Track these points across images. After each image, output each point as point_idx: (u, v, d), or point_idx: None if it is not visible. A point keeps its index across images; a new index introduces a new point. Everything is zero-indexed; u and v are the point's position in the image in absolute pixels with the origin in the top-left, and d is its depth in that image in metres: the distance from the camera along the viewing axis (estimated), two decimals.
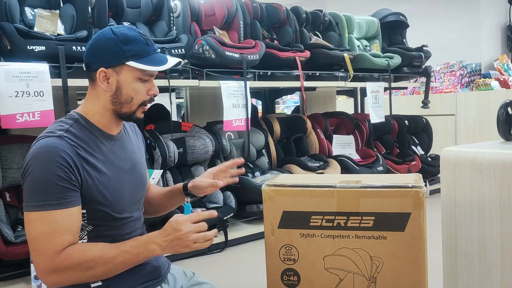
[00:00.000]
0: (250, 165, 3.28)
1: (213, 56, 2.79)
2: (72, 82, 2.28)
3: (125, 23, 2.80)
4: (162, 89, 2.91)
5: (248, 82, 2.94)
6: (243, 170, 1.49)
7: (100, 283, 1.26)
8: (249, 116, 2.94)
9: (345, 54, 3.62)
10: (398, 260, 1.20)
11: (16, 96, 2.07)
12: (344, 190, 1.22)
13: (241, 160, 1.46)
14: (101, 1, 2.60)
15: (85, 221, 1.21)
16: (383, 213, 1.20)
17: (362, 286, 1.22)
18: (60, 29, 2.52)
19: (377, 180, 1.25)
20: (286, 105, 7.68)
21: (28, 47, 2.17)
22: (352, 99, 5.00)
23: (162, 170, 2.65)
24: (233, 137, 3.34)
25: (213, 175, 1.43)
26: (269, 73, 3.29)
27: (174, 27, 2.89)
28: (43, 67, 2.15)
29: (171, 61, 1.23)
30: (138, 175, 1.35)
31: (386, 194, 1.19)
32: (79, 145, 1.18)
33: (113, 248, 1.15)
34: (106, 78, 1.21)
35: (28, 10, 2.49)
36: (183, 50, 2.63)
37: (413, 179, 1.24)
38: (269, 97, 4.42)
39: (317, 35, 3.91)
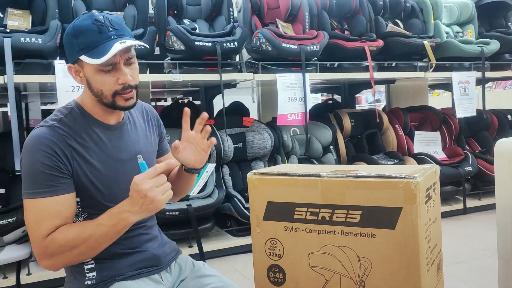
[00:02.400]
0: (315, 162, 3.15)
1: (269, 48, 2.73)
2: None
3: (186, 21, 2.87)
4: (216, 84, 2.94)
5: (307, 75, 2.82)
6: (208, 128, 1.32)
7: (93, 265, 1.29)
8: (307, 110, 2.82)
9: (425, 42, 3.30)
10: (388, 262, 1.02)
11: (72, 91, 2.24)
12: (329, 180, 1.08)
13: (203, 114, 1.30)
14: (160, 1, 2.71)
15: (80, 209, 1.24)
16: (371, 207, 1.03)
17: None
18: None
19: (370, 170, 1.08)
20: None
21: None
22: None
23: (215, 164, 2.66)
24: (298, 133, 3.23)
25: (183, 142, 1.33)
26: (335, 65, 3.13)
27: (233, 22, 2.90)
28: None
29: (116, 47, 1.12)
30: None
31: (373, 185, 1.03)
32: (70, 135, 1.20)
33: (90, 224, 1.14)
34: (77, 73, 1.20)
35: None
36: (235, 43, 2.61)
37: (414, 169, 1.06)
38: (349, 92, 4.21)
39: (397, 24, 3.62)
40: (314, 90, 5.33)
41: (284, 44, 2.73)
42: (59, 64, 2.24)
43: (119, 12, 2.72)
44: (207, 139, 1.34)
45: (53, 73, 2.24)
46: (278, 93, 2.70)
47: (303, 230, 1.12)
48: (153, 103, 5.98)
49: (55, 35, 2.28)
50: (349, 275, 1.07)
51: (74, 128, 1.22)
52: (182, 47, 2.51)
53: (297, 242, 1.13)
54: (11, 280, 2.21)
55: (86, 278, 1.28)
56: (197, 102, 4.13)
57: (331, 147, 3.26)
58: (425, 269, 1.01)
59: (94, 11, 1.20)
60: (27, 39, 2.21)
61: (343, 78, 3.12)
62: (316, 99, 7.00)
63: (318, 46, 2.84)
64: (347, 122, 3.37)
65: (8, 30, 2.30)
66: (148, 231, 1.38)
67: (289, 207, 1.13)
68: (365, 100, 8.82)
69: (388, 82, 3.74)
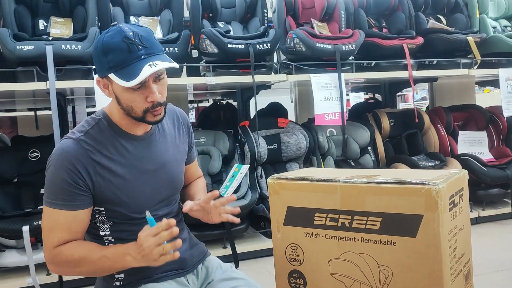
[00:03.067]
0: (352, 163, 3.09)
1: (303, 49, 2.71)
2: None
3: (220, 24, 2.90)
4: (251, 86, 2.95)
5: (343, 74, 2.77)
6: (237, 210, 1.33)
7: (122, 274, 1.33)
8: (345, 110, 2.77)
9: (469, 38, 3.15)
10: (409, 271, 0.99)
11: None
12: (348, 185, 1.06)
13: (214, 193, 1.31)
14: (194, 4, 2.74)
15: (105, 218, 1.26)
16: (391, 214, 1.00)
17: None
18: (158, 33, 2.73)
19: (391, 176, 1.05)
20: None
21: None
22: None
23: (249, 165, 2.66)
24: (335, 133, 3.19)
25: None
26: (373, 64, 3.05)
27: (267, 23, 2.89)
28: None
29: (145, 72, 1.10)
30: (166, 174, 1.33)
31: (393, 191, 0.99)
32: (95, 149, 1.21)
33: (97, 252, 1.18)
34: (105, 86, 1.20)
35: (132, 19, 2.76)
36: (268, 44, 2.60)
37: (437, 175, 1.01)
38: (389, 91, 4.10)
39: (439, 20, 3.49)
40: (356, 89, 5.23)
41: (318, 44, 2.70)
42: None
43: (155, 17, 2.78)
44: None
45: (92, 78, 2.33)
46: (313, 93, 2.67)
47: (323, 236, 1.10)
48: (195, 104, 6.08)
49: (94, 41, 2.35)
50: (369, 283, 1.04)
51: (100, 140, 1.22)
52: (216, 50, 2.54)
53: (317, 248, 1.11)
54: (54, 276, 2.31)
55: (115, 280, 1.31)
56: (235, 104, 4.15)
57: (369, 148, 3.18)
58: (449, 280, 0.97)
59: (123, 25, 1.17)
60: (68, 46, 2.30)
61: (380, 77, 3.04)
62: (359, 97, 6.87)
63: (353, 45, 2.79)
64: (386, 122, 3.28)
65: (50, 38, 2.41)
66: (175, 236, 1.40)
67: (309, 212, 1.12)
68: (412, 98, 8.54)
69: (429, 80, 3.61)
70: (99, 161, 1.21)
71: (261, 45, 2.58)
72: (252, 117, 3.50)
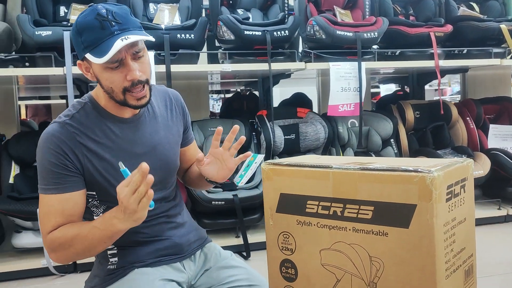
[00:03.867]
0: (373, 155, 3.00)
1: (323, 36, 2.64)
2: (175, 68, 2.44)
3: (240, 11, 2.86)
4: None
5: (364, 63, 2.68)
6: (242, 138, 1.30)
7: (115, 251, 1.32)
8: (362, 100, 2.68)
9: (502, 26, 2.99)
10: (402, 264, 0.92)
11: None
12: (340, 172, 1.00)
13: (219, 129, 1.26)
14: None
15: (98, 202, 1.26)
16: (384, 203, 0.94)
17: None
18: (177, 20, 2.72)
19: (387, 162, 0.99)
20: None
21: None
22: None
23: (264, 155, 2.62)
24: (356, 124, 3.09)
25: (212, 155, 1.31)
26: (397, 53, 2.94)
27: (288, 10, 2.83)
28: (149, 55, 2.35)
29: (117, 45, 1.07)
30: (158, 157, 1.31)
31: (386, 178, 0.93)
32: (81, 131, 1.19)
33: (87, 225, 1.15)
34: (87, 69, 1.18)
35: (151, 6, 2.76)
36: (286, 32, 2.54)
37: (436, 163, 0.94)
38: (417, 82, 3.96)
39: (471, 7, 3.32)
40: (384, 81, 5.09)
41: (338, 32, 2.62)
42: None
43: (174, 4, 2.77)
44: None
45: None
46: (330, 82, 2.60)
47: (314, 224, 1.05)
48: (222, 95, 6.08)
49: None
50: (360, 275, 0.99)
51: (86, 123, 1.21)
52: (232, 37, 2.50)
53: (309, 237, 1.06)
54: None
55: (109, 263, 1.31)
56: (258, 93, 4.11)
57: (392, 140, 3.08)
58: (443, 275, 0.90)
59: (98, 4, 1.15)
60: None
61: (404, 66, 2.93)
62: (390, 90, 6.71)
63: (376, 33, 2.69)
64: (410, 114, 3.16)
65: (69, 24, 2.44)
66: (171, 220, 1.37)
67: (301, 199, 1.07)
68: (451, 91, 8.26)
69: (460, 71, 3.46)
70: (86, 144, 1.19)
71: (278, 32, 2.53)
72: (276, 106, 3.46)
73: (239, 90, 4.83)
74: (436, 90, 9.22)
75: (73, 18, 2.59)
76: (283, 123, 2.90)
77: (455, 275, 0.94)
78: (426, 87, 8.61)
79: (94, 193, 1.25)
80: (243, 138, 1.30)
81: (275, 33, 2.51)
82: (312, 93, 4.15)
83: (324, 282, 1.04)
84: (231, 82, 4.63)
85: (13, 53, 2.42)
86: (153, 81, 2.34)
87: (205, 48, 2.90)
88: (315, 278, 1.06)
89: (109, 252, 1.31)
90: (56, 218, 1.17)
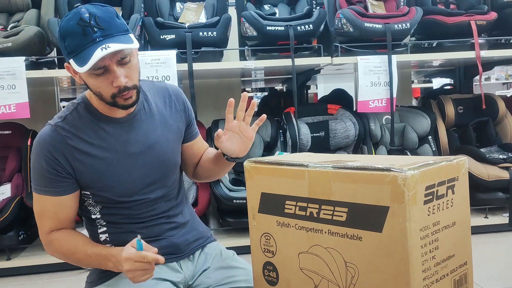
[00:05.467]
0: (408, 154, 2.84)
1: (351, 29, 2.53)
2: (197, 66, 2.44)
3: (266, 6, 2.81)
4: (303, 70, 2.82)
5: (395, 56, 2.54)
6: (254, 102, 1.27)
7: None
8: (394, 95, 2.54)
9: None
10: (376, 271, 0.85)
11: None
12: (315, 171, 0.93)
13: (230, 101, 1.23)
14: None
15: (93, 201, 1.27)
16: (357, 204, 0.86)
17: None
18: (202, 18, 2.72)
19: (365, 161, 0.91)
20: None
21: (161, 37, 2.43)
22: None
23: (289, 153, 2.56)
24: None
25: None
26: (434, 44, 2.77)
27: (315, 4, 2.75)
28: (171, 54, 2.38)
29: (96, 55, 1.05)
30: (155, 155, 1.29)
31: (359, 178, 0.86)
32: (73, 134, 1.20)
33: (83, 250, 1.20)
34: (75, 72, 1.16)
35: (178, 5, 2.78)
36: (311, 26, 2.46)
37: (415, 161, 0.85)
38: (464, 76, 3.71)
39: None
40: (431, 75, 4.84)
41: (366, 24, 2.50)
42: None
43: (200, 2, 2.78)
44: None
45: None
46: (358, 77, 2.49)
47: (293, 226, 0.99)
48: (259, 93, 6.05)
49: (134, 28, 2.41)
50: (336, 281, 0.92)
51: (78, 125, 1.21)
52: (255, 33, 2.47)
53: (288, 239, 1.01)
54: None
55: None
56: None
57: (430, 137, 2.90)
58: (420, 284, 0.81)
59: (83, 6, 1.12)
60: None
61: (441, 58, 2.75)
62: (445, 85, 6.38)
63: (408, 24, 2.54)
64: (450, 110, 2.96)
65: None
66: (171, 220, 1.35)
67: (280, 199, 1.01)
68: (479, 81, 7.69)
69: (505, 62, 3.19)
70: (77, 147, 1.20)
71: (302, 27, 2.45)
72: (308, 103, 3.39)
73: (278, 87, 4.77)
74: (504, 84, 8.63)
75: None
76: (312, 120, 2.82)
77: (438, 286, 0.85)
78: (492, 79, 8.06)
79: (88, 193, 1.26)
80: (254, 102, 1.27)
81: (298, 27, 2.44)
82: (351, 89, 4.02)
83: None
84: (273, 79, 4.59)
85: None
86: (175, 80, 2.36)
87: (236, 45, 2.89)
88: (294, 283, 1.01)
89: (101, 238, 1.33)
90: (50, 220, 1.22)
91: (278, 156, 1.20)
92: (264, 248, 1.07)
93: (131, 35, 1.16)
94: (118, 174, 1.24)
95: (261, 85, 5.41)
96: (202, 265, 1.39)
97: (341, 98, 3.96)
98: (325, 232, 0.93)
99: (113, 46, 1.07)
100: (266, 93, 6.02)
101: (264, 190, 1.05)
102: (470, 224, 0.95)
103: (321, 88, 5.91)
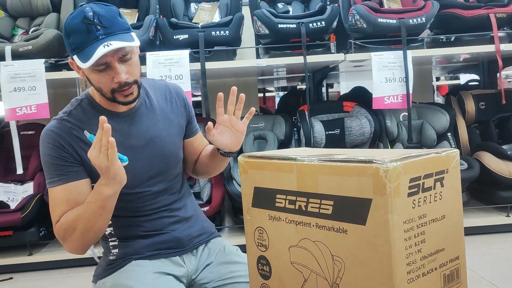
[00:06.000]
0: None
1: (364, 25, 2.50)
2: (210, 65, 2.46)
3: (280, 5, 2.81)
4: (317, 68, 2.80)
5: (410, 52, 2.49)
6: (252, 110, 1.30)
7: (116, 243, 1.36)
8: (410, 92, 2.50)
9: None
10: (361, 265, 0.84)
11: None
12: (303, 164, 0.93)
13: (219, 95, 1.25)
14: None
15: None
16: (342, 197, 0.86)
17: None
18: (216, 18, 2.75)
19: (350, 154, 0.90)
20: None
21: (174, 37, 2.46)
22: None
23: None
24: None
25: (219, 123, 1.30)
26: (452, 38, 2.70)
27: (329, 1, 2.73)
28: (183, 53, 2.41)
29: (98, 52, 1.10)
30: (156, 149, 1.32)
31: (344, 170, 0.85)
32: (78, 126, 1.24)
33: (83, 204, 1.19)
34: (78, 68, 1.21)
35: (193, 6, 2.82)
36: (323, 23, 2.45)
37: (402, 153, 0.84)
38: (488, 71, 3.61)
39: None
40: (455, 71, 4.73)
41: (380, 19, 2.47)
42: (150, 56, 2.42)
43: (215, 2, 2.80)
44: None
45: (145, 64, 2.44)
46: (373, 73, 2.46)
47: (283, 220, 1.00)
48: (281, 93, 6.03)
49: (148, 28, 2.46)
50: (324, 275, 0.92)
51: (82, 119, 1.25)
52: (267, 31, 2.47)
53: (279, 233, 1.01)
54: None
55: (110, 254, 1.35)
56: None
57: (449, 134, 2.84)
58: (404, 278, 0.80)
59: (87, 5, 1.17)
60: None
61: (458, 52, 2.68)
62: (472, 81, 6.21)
63: (423, 18, 2.49)
64: (471, 105, 2.89)
65: None
66: (174, 214, 1.38)
67: (271, 193, 1.02)
68: (499, 76, 7.39)
69: None
70: (82, 138, 1.23)
71: (314, 24, 2.44)
72: (323, 101, 3.35)
73: (299, 86, 4.76)
74: None
75: None
76: (327, 118, 2.80)
77: (425, 280, 0.84)
78: None
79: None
80: (242, 96, 1.28)
81: (310, 24, 2.43)
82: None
83: (294, 281, 0.99)
84: (293, 77, 4.58)
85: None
86: (187, 79, 2.39)
87: (253, 45, 2.90)
88: (286, 277, 1.01)
89: (111, 243, 1.36)
90: (61, 207, 1.22)
91: (262, 152, 1.20)
92: (257, 242, 1.08)
93: (133, 34, 1.21)
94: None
95: (283, 83, 5.40)
96: (206, 260, 1.40)
97: (360, 96, 3.91)
98: (313, 226, 0.93)
99: (114, 44, 1.12)
100: (277, 93, 6.02)
101: (256, 184, 1.06)
102: (463, 218, 0.93)
103: (343, 86, 5.87)
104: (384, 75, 2.47)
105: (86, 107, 1.29)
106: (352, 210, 0.84)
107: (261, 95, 4.83)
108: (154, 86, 1.42)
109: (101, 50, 1.11)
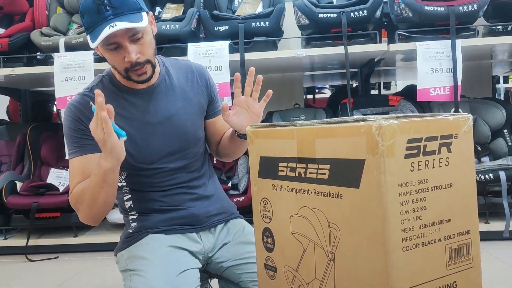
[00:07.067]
0: (478, 148, 2.60)
1: (410, 14, 2.40)
2: (249, 56, 2.47)
3: None
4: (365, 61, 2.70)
5: (459, 41, 2.35)
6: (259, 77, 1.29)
7: (135, 217, 1.40)
8: (459, 83, 2.35)
9: None
10: (354, 232, 0.79)
11: None
12: (302, 129, 0.90)
13: (236, 75, 1.25)
14: None
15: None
16: (338, 160, 0.82)
17: (322, 264, 0.87)
18: (259, 9, 2.76)
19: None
20: None
21: (215, 28, 2.50)
22: None
23: None
24: (461, 112, 2.72)
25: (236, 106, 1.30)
26: (509, 28, 2.52)
27: None
28: (223, 44, 2.43)
29: (104, 33, 1.13)
30: (174, 126, 1.34)
31: (338, 131, 0.81)
32: None
33: (90, 177, 1.21)
34: (96, 48, 1.25)
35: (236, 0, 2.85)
36: (365, 12, 2.38)
37: (403, 115, 0.79)
38: None
39: None
40: None
41: (427, 7, 2.35)
42: (191, 47, 2.47)
43: None
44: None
45: (186, 55, 2.49)
46: (417, 64, 2.35)
47: (285, 188, 0.97)
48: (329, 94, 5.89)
49: (190, 20, 2.51)
50: (321, 244, 0.88)
51: (103, 95, 1.31)
52: (307, 21, 2.44)
53: (282, 202, 0.98)
54: None
55: (130, 227, 1.39)
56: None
57: (505, 131, 2.64)
58: (399, 245, 0.75)
59: None
60: (167, 26, 2.50)
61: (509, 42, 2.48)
62: None
63: (475, 6, 2.34)
64: None
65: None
66: (192, 191, 1.39)
67: (274, 162, 0.99)
68: None
69: None
70: None
71: (356, 13, 2.37)
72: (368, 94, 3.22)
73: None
74: None
75: (164, 15, 2.82)
76: (371, 112, 2.71)
77: (425, 250, 0.77)
78: None
79: None
80: (260, 77, 1.28)
81: (352, 14, 2.37)
82: None
83: (294, 253, 0.95)
84: (344, 74, 4.47)
85: None
86: (227, 70, 2.41)
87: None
88: (287, 249, 0.98)
89: (131, 217, 1.39)
90: (76, 178, 1.27)
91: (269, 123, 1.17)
92: (263, 214, 1.05)
93: (144, 14, 1.22)
94: (138, 141, 1.30)
95: (337, 81, 5.28)
96: (224, 239, 1.40)
97: (412, 94, 3.75)
98: (311, 192, 0.89)
99: (119, 25, 1.14)
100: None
101: (262, 154, 1.04)
102: (476, 189, 0.85)
103: (400, 85, 5.68)
104: (430, 65, 2.35)
105: (107, 84, 1.33)
106: (346, 173, 0.80)
107: (310, 96, 4.76)
108: (176, 65, 1.44)
109: (106, 31, 1.14)
